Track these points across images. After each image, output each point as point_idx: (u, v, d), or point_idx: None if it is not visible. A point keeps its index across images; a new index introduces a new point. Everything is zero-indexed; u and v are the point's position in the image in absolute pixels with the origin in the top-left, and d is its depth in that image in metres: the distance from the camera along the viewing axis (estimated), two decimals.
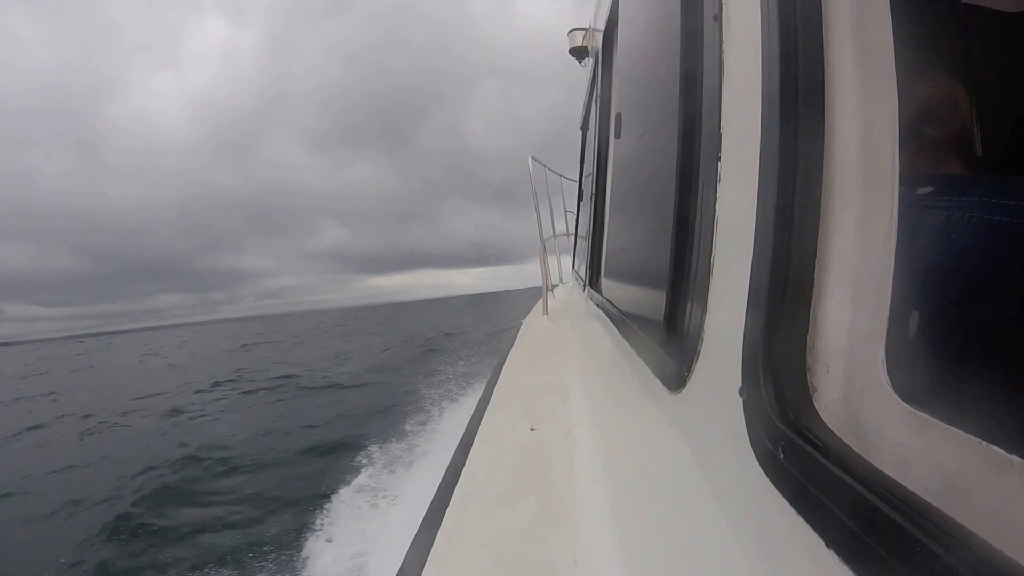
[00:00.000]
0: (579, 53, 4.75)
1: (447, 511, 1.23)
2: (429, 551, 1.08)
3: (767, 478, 0.52)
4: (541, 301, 4.80)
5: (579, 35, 4.73)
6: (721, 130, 0.84)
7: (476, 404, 2.23)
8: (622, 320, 1.60)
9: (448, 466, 1.54)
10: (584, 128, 5.18)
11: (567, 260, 7.27)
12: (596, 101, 3.57)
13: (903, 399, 0.47)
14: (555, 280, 6.25)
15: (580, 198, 5.95)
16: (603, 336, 1.99)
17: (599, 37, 3.41)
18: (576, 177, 6.37)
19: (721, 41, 0.85)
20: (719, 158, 0.83)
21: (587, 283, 3.37)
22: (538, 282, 4.96)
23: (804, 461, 0.47)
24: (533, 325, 4.44)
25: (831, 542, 0.41)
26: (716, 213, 0.82)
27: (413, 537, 1.14)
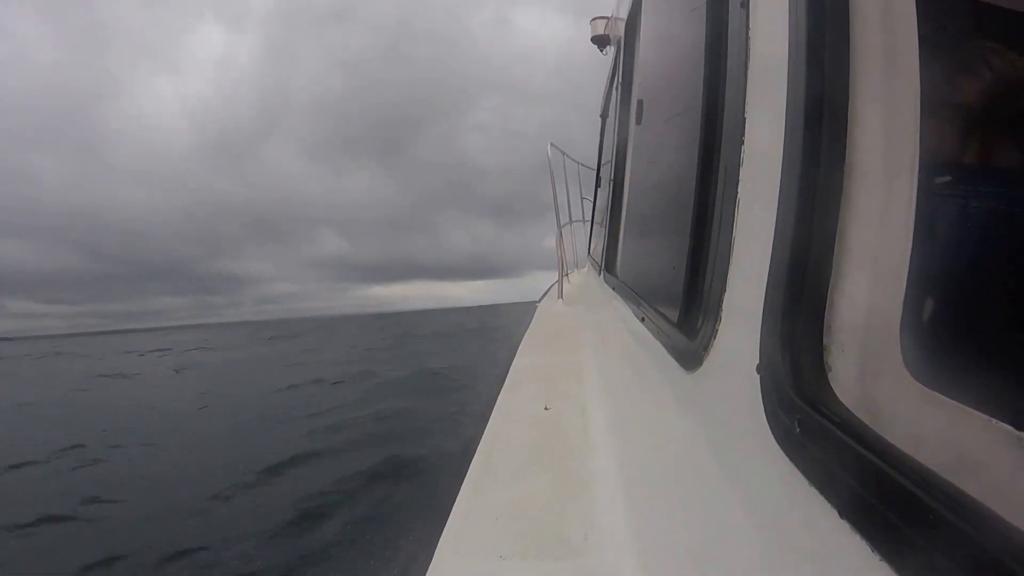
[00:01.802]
0: (601, 41, 4.73)
1: (462, 485, 1.26)
2: (444, 524, 1.11)
3: (783, 452, 0.54)
4: (556, 285, 4.82)
5: (601, 23, 4.70)
6: (745, 114, 0.85)
7: (491, 385, 2.26)
8: (639, 302, 1.62)
9: (464, 442, 1.57)
10: (604, 116, 5.16)
11: (582, 247, 7.27)
12: (617, 89, 3.56)
13: (916, 378, 0.48)
14: (571, 267, 6.26)
15: (598, 185, 5.94)
16: (619, 319, 2.00)
17: (621, 25, 3.40)
18: (594, 166, 6.36)
19: (747, 27, 0.86)
20: (743, 141, 0.84)
21: (603, 267, 3.38)
22: (533, 297, 5.02)
23: (820, 435, 0.48)
24: (548, 309, 4.45)
25: (845, 512, 0.43)
26: (738, 196, 0.84)
27: (427, 511, 1.17)
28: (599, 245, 4.28)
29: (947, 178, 0.72)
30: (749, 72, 0.85)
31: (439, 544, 1.03)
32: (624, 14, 3.31)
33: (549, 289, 5.33)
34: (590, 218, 6.70)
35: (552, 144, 4.95)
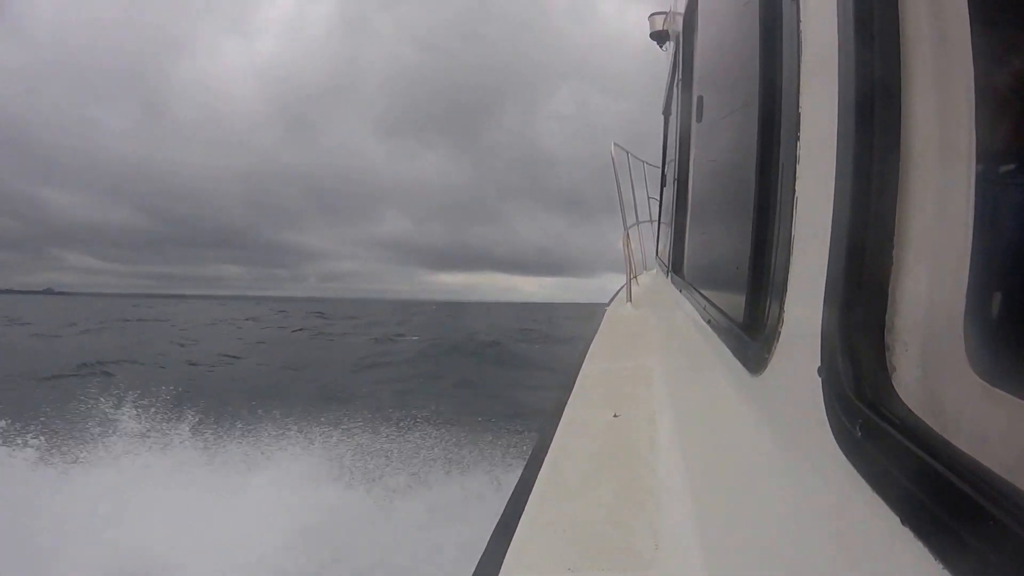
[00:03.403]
0: (660, 37, 4.66)
1: (530, 495, 1.27)
2: (512, 535, 1.12)
3: (845, 457, 0.53)
4: (625, 288, 4.76)
5: (659, 19, 4.63)
6: (800, 110, 0.83)
7: (560, 390, 2.25)
8: (705, 305, 1.59)
9: (531, 451, 1.58)
10: (666, 113, 5.08)
11: (650, 248, 7.16)
12: (677, 85, 3.50)
13: (982, 377, 0.46)
14: (639, 269, 6.17)
15: (663, 184, 5.84)
16: (686, 321, 1.97)
17: (680, 20, 3.34)
18: (659, 163, 6.26)
19: (798, 21, 0.84)
20: (798, 138, 0.82)
21: (670, 269, 3.32)
22: (604, 299, 4.97)
23: (882, 439, 0.47)
24: (617, 312, 4.40)
25: (907, 519, 0.42)
26: (796, 193, 0.82)
27: (496, 521, 1.19)
28: (666, 245, 4.21)
29: (1009, 167, 0.68)
30: (802, 66, 0.83)
31: (506, 557, 1.04)
32: (682, 9, 3.25)
33: (618, 292, 5.28)
34: (657, 218, 6.59)
35: (615, 144, 4.90)
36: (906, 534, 0.41)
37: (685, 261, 2.66)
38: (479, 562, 1.06)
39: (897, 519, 0.43)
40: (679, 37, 3.38)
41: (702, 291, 1.79)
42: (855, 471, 0.50)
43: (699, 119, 2.24)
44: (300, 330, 36.07)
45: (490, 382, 14.87)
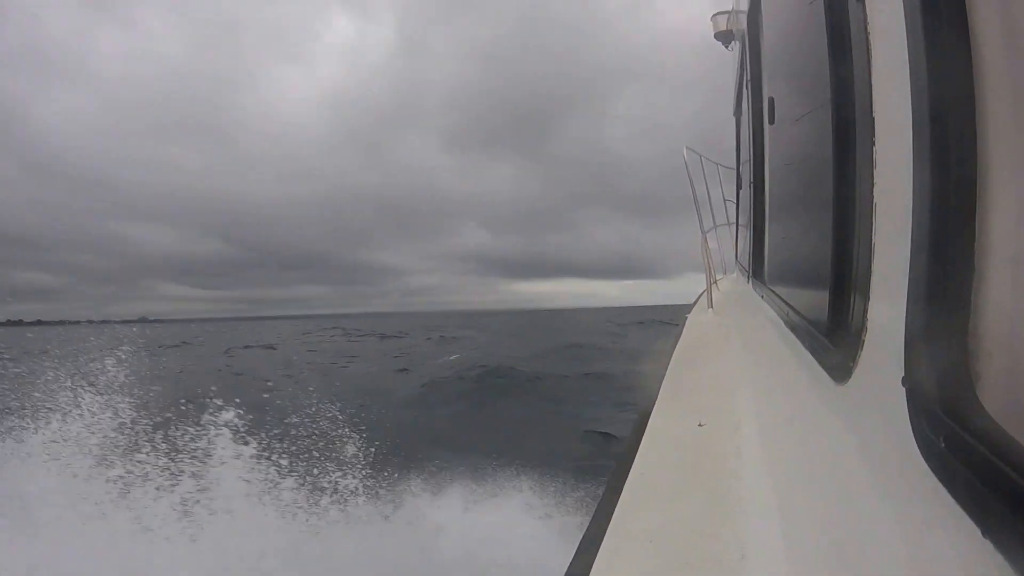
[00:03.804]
0: (724, 37, 4.57)
1: (616, 505, 1.27)
2: (599, 544, 1.13)
3: (929, 468, 0.52)
4: (705, 294, 4.67)
5: (723, 19, 4.55)
6: (873, 114, 0.81)
7: (644, 400, 2.24)
8: (787, 311, 1.55)
9: (617, 461, 1.58)
10: (737, 114, 4.96)
11: (729, 251, 6.97)
12: (747, 86, 3.42)
13: None
14: (719, 273, 6.02)
15: (739, 186, 5.69)
16: (769, 328, 1.92)
17: (744, 19, 3.28)
18: (733, 164, 6.11)
19: (865, 20, 0.83)
20: (873, 143, 0.81)
21: (751, 274, 3.23)
22: (685, 300, 4.85)
23: (965, 450, 0.46)
24: (698, 319, 4.32)
25: (988, 531, 0.41)
26: (874, 200, 0.80)
27: (584, 530, 1.20)
28: (745, 249, 4.10)
29: None
30: (872, 67, 0.82)
31: (593, 566, 1.05)
32: (745, 7, 3.19)
33: (699, 298, 5.17)
34: (735, 221, 6.42)
35: (688, 147, 4.82)
36: (987, 547, 0.41)
37: (765, 266, 2.59)
38: (567, 572, 1.08)
39: (979, 531, 0.42)
40: (744, 37, 3.31)
41: (783, 297, 1.74)
42: (939, 482, 0.50)
43: (771, 121, 2.19)
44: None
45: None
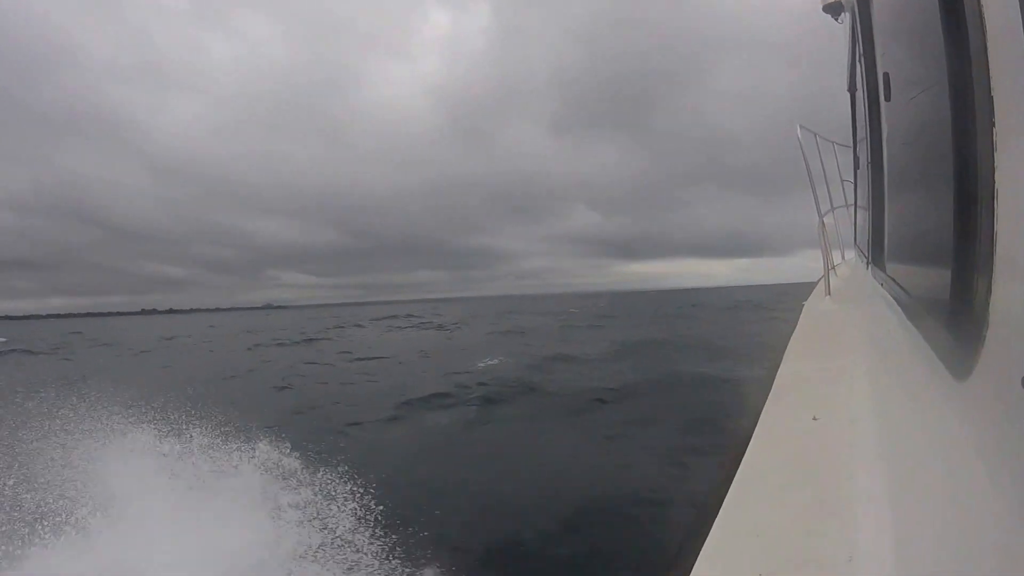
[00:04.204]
0: (834, 9, 4.29)
1: (724, 500, 1.26)
2: (704, 539, 1.13)
3: None
4: (822, 280, 4.43)
5: None
6: (992, 92, 0.77)
7: (756, 392, 2.18)
8: (906, 300, 1.46)
9: (726, 455, 1.56)
10: (851, 89, 4.64)
11: (847, 233, 6.55)
12: (860, 60, 3.21)
13: None
14: (837, 258, 5.68)
15: (856, 165, 5.33)
16: (887, 318, 1.81)
17: None
18: (850, 143, 5.73)
19: None
20: (993, 124, 0.76)
21: (869, 259, 3.04)
22: (801, 278, 4.60)
23: None
24: (815, 307, 4.11)
25: None
26: (995, 184, 0.76)
27: (689, 525, 1.20)
28: (864, 233, 3.84)
29: None
30: (988, 40, 0.77)
31: (698, 559, 1.06)
32: None
33: (816, 284, 4.93)
34: (853, 202, 6.02)
35: (801, 126, 4.57)
36: None
37: (885, 252, 2.43)
38: (670, 564, 1.09)
39: None
40: (855, 9, 3.10)
41: (902, 285, 1.64)
42: None
43: (887, 97, 2.06)
44: None
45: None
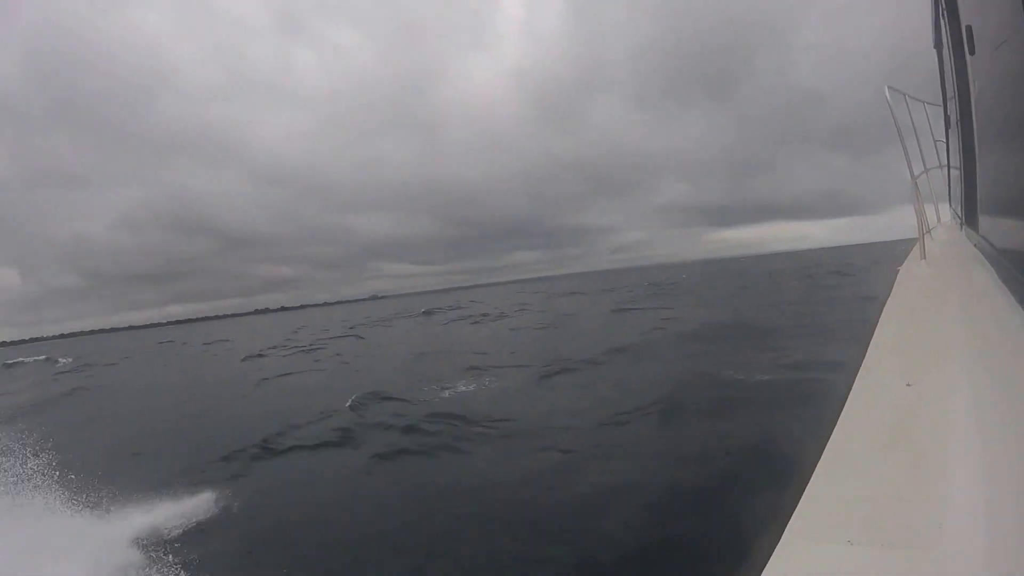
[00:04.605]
0: None
1: (816, 467, 1.27)
2: (795, 505, 1.14)
3: None
4: (918, 244, 4.21)
5: None
6: None
7: (851, 358, 2.14)
8: (1002, 264, 1.41)
9: (819, 423, 1.55)
10: (937, 46, 4.36)
11: (942, 194, 6.15)
12: (943, 15, 3.03)
13: None
14: (932, 220, 5.36)
15: (947, 125, 5.00)
16: (982, 281, 1.74)
17: None
18: (939, 101, 5.37)
19: None
20: None
21: (963, 221, 2.88)
22: (896, 235, 4.37)
23: None
24: (910, 271, 3.91)
25: None
26: None
27: (783, 493, 1.21)
28: (958, 194, 3.63)
29: None
30: None
31: (788, 525, 1.07)
32: None
33: (913, 249, 4.68)
34: (946, 163, 5.65)
35: (889, 87, 4.34)
36: None
37: (979, 212, 2.31)
38: (763, 528, 1.11)
39: None
40: None
41: (997, 248, 1.57)
42: None
43: (972, 51, 1.96)
44: None
45: None
